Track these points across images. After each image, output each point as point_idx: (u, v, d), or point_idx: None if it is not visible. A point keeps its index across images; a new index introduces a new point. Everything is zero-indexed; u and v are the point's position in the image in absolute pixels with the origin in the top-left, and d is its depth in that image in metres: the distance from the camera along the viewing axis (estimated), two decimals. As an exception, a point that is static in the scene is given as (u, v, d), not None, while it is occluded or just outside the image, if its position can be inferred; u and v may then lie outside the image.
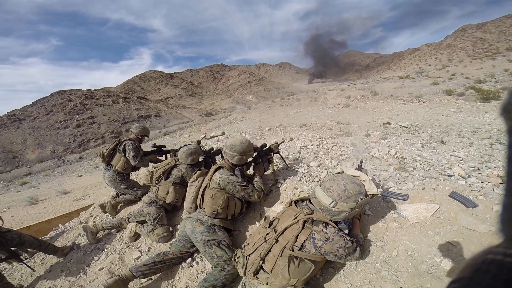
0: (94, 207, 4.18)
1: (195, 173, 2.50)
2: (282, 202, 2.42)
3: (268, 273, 1.58)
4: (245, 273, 1.69)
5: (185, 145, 3.10)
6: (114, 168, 3.54)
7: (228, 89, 76.52)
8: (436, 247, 1.53)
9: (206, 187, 2.30)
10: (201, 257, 2.45)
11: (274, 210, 2.41)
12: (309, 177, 2.59)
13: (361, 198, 1.51)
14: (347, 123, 7.94)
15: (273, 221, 1.77)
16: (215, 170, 2.29)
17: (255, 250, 1.66)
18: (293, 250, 1.51)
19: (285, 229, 1.58)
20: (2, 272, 2.79)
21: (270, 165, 2.72)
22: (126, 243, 3.02)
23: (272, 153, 2.70)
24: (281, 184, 2.58)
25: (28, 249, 3.19)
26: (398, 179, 2.21)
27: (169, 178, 2.96)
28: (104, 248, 3.08)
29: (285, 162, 2.87)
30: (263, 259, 1.59)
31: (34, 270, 2.95)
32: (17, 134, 26.51)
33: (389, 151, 3.21)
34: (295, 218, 1.60)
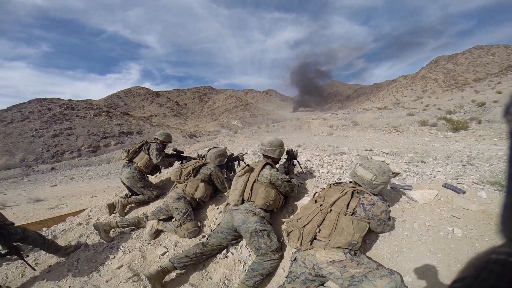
0: (91, 210, 4.10)
1: (243, 168, 2.67)
2: (307, 195, 2.82)
3: (321, 240, 1.87)
4: (301, 244, 1.92)
5: (214, 147, 3.46)
6: (136, 165, 3.75)
7: (213, 112, 77.20)
8: (445, 220, 2.04)
9: (254, 181, 2.54)
10: (235, 248, 2.61)
11: (301, 203, 2.79)
12: (324, 179, 3.03)
13: (391, 174, 1.98)
14: (337, 146, 8.62)
15: (316, 199, 2.12)
16: (263, 167, 2.60)
17: (311, 220, 1.94)
18: (345, 215, 1.85)
19: (336, 200, 1.94)
20: None
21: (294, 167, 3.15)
22: (146, 240, 3.03)
23: (294, 158, 3.15)
24: (301, 183, 2.99)
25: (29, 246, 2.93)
26: (399, 179, 2.73)
27: (197, 175, 3.22)
28: (119, 247, 3.01)
29: (301, 167, 3.30)
30: (319, 227, 1.89)
31: (34, 269, 2.73)
32: (-15, 138, 24.85)
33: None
34: (342, 191, 1.98)
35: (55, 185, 16.46)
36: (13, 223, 2.67)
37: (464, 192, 2.23)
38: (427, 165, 4.34)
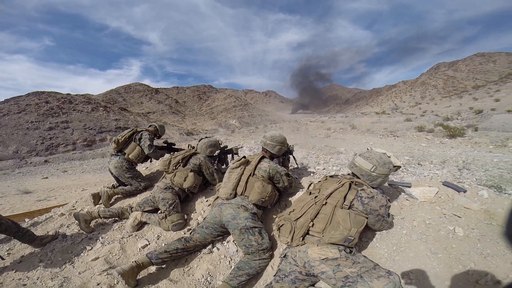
0: (77, 201, 3.97)
1: (238, 160, 2.51)
2: (302, 191, 2.67)
3: (314, 236, 1.72)
4: (292, 239, 1.77)
5: (206, 137, 3.32)
6: (126, 156, 3.58)
7: (212, 111, 77.13)
8: (446, 218, 1.92)
9: (250, 175, 2.36)
10: (222, 243, 2.46)
11: (294, 199, 2.64)
12: (319, 175, 2.93)
13: (392, 167, 1.83)
14: (334, 147, 8.54)
15: (311, 191, 1.97)
16: (260, 160, 2.43)
17: (304, 213, 1.79)
18: (342, 208, 1.69)
19: (332, 191, 1.78)
20: None
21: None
22: (127, 232, 2.89)
23: (290, 153, 3.02)
24: (296, 178, 2.87)
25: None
26: (396, 177, 2.62)
27: (187, 165, 3.08)
28: (99, 238, 2.88)
29: (296, 163, 3.18)
30: (312, 221, 1.74)
31: (3, 259, 2.59)
32: (-20, 129, 24.48)
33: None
34: (339, 182, 1.82)
35: (46, 178, 16.18)
36: None
37: (465, 191, 2.13)
38: (424, 168, 4.26)
